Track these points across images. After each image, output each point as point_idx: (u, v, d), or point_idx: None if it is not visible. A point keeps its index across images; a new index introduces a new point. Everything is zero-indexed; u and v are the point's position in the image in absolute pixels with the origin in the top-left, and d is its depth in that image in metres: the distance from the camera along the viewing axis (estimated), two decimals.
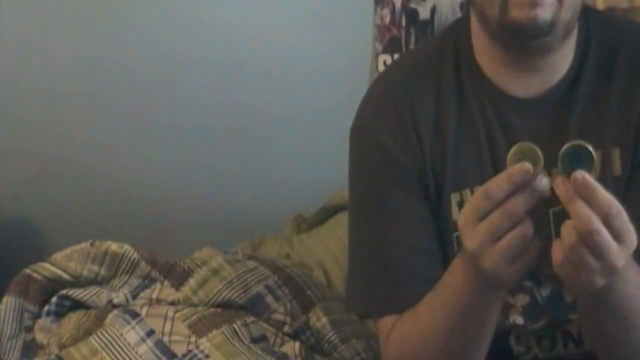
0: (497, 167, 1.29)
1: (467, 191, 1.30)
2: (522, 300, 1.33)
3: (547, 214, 1.28)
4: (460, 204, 1.30)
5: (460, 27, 1.35)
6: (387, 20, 1.73)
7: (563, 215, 1.28)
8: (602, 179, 1.28)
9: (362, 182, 1.35)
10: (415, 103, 1.31)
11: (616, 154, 1.29)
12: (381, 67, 1.72)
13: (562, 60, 1.29)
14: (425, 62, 1.35)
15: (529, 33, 1.21)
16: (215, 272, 1.73)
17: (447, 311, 1.22)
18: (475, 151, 1.30)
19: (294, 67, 2.49)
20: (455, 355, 1.24)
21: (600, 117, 1.30)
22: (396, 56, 1.70)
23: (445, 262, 1.31)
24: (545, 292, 1.32)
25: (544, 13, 1.18)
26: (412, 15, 1.72)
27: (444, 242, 1.31)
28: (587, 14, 1.32)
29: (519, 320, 1.33)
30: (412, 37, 1.72)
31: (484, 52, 1.30)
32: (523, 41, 1.24)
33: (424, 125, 1.31)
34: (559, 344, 1.33)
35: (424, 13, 1.72)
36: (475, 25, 1.31)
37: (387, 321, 1.31)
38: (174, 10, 2.45)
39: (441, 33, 1.43)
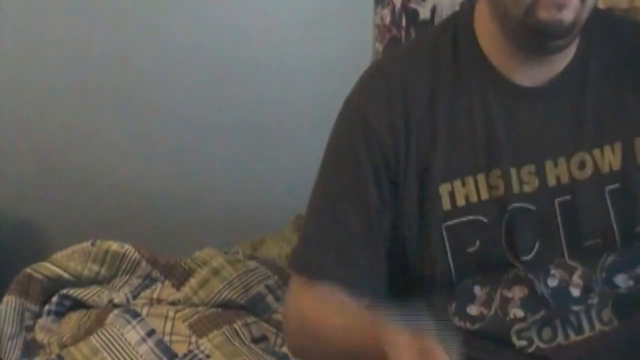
0: (493, 158, 1.29)
1: (459, 182, 1.29)
2: (519, 292, 1.31)
3: (553, 203, 1.29)
4: (452, 195, 1.28)
5: (461, 18, 1.35)
6: (387, 20, 1.73)
7: (568, 205, 1.29)
8: (624, 170, 1.29)
9: (333, 147, 1.35)
10: (409, 87, 1.30)
11: (639, 143, 1.30)
12: None
13: (568, 50, 1.30)
14: (423, 49, 1.34)
15: (554, 34, 1.23)
16: (216, 272, 1.73)
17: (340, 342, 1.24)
18: (470, 141, 1.29)
19: (294, 67, 2.48)
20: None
21: (618, 106, 1.30)
22: None
23: (425, 250, 1.30)
24: (552, 283, 1.31)
25: (569, 15, 1.20)
26: (412, 15, 1.72)
27: (427, 231, 1.30)
28: None
29: (519, 313, 1.31)
30: (412, 37, 1.72)
31: (492, 43, 1.30)
32: (544, 41, 1.25)
33: (414, 111, 1.29)
34: (559, 333, 1.32)
35: (424, 13, 1.72)
36: (485, 19, 1.30)
37: (303, 281, 1.32)
38: (176, 8, 2.45)
39: (441, 22, 1.43)
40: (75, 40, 2.44)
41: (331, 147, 1.36)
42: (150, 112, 2.51)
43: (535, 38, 1.24)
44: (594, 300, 1.31)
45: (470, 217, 1.29)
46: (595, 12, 1.31)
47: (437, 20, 1.70)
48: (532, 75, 1.30)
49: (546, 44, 1.25)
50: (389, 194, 1.30)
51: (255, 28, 2.45)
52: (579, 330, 1.32)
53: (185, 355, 1.57)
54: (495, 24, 1.28)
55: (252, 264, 1.78)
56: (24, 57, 2.45)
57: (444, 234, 1.29)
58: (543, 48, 1.27)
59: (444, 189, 1.29)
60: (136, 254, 1.74)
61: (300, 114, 2.48)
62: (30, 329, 1.70)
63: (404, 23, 1.72)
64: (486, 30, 1.30)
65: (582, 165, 1.30)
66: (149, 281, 1.74)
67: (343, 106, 1.36)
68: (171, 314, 1.63)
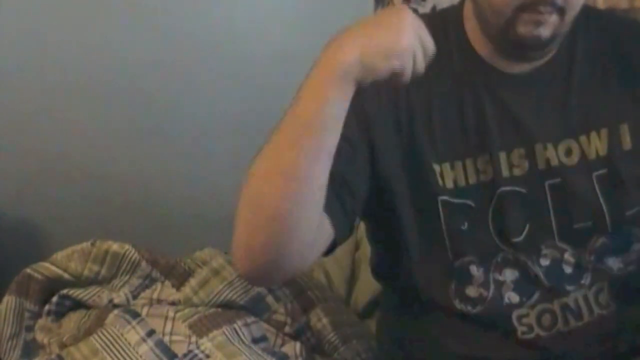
0: (482, 143, 1.31)
1: (447, 164, 1.31)
2: (510, 275, 1.34)
3: (544, 186, 1.31)
4: (441, 175, 1.31)
5: (450, 11, 1.39)
6: None
7: (559, 187, 1.31)
8: (610, 155, 1.31)
9: None
10: None
11: (625, 129, 1.33)
12: None
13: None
14: None
15: (532, 47, 1.27)
16: (216, 272, 1.73)
17: (291, 122, 1.18)
18: (460, 127, 1.32)
19: (294, 67, 2.47)
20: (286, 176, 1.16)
21: (603, 93, 1.33)
22: None
23: (421, 225, 1.32)
24: (545, 262, 1.33)
25: (546, 31, 1.24)
26: None
27: (422, 206, 1.32)
28: None
29: (514, 297, 1.33)
30: None
31: (478, 37, 1.33)
32: (523, 52, 1.30)
33: (403, 93, 1.31)
34: (559, 320, 1.34)
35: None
36: (471, 17, 1.34)
37: None
38: (178, 6, 2.45)
39: (432, 13, 1.47)
40: (75, 39, 2.44)
41: None
42: (150, 113, 2.51)
43: (514, 48, 1.29)
44: (586, 280, 1.34)
45: (459, 200, 1.32)
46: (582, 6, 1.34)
47: None
48: (518, 65, 1.33)
49: (525, 55, 1.30)
50: (369, 152, 1.30)
51: (254, 27, 2.45)
52: (578, 316, 1.34)
53: (185, 355, 1.57)
54: (480, 27, 1.32)
55: None
56: (25, 57, 2.45)
57: (440, 207, 1.31)
58: (523, 56, 1.31)
59: (436, 169, 1.32)
60: (136, 254, 1.74)
61: None
62: (30, 329, 1.70)
63: None
64: (472, 26, 1.34)
65: (569, 152, 1.32)
66: (149, 281, 1.74)
67: None
68: (171, 314, 1.63)
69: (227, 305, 1.69)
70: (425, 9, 1.72)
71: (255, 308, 1.70)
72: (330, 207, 1.22)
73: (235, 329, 1.62)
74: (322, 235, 1.23)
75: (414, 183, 1.32)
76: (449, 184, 1.32)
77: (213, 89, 2.49)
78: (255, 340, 1.63)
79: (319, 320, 1.72)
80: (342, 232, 1.28)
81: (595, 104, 1.33)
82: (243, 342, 1.60)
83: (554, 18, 1.23)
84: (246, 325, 1.63)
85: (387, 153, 1.31)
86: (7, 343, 1.66)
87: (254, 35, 2.46)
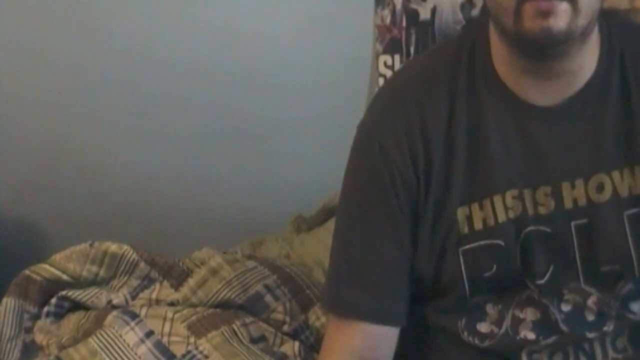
0: (510, 179, 1.26)
1: (476, 205, 1.26)
2: (531, 314, 1.29)
3: (569, 226, 1.27)
4: (469, 219, 1.27)
5: (477, 33, 1.31)
6: (388, 20, 1.73)
7: (585, 228, 1.25)
8: None
9: (354, 179, 1.33)
10: (427, 111, 1.28)
11: None
12: (382, 68, 1.72)
13: (582, 66, 1.25)
14: (440, 68, 1.31)
15: (544, 44, 1.17)
16: (214, 272, 1.73)
17: None
18: (487, 164, 1.27)
19: (294, 68, 2.49)
20: None
21: (635, 131, 1.26)
22: (397, 57, 1.70)
23: (440, 274, 1.29)
24: (566, 307, 1.28)
25: (558, 23, 1.14)
26: (412, 15, 1.72)
27: (442, 256, 1.29)
28: (609, 20, 1.28)
29: (530, 335, 1.29)
30: (413, 37, 1.72)
31: (503, 59, 1.26)
32: (542, 50, 1.20)
33: (434, 135, 1.27)
34: (570, 358, 1.30)
35: (424, 14, 1.71)
36: (493, 33, 1.27)
37: (339, 322, 1.34)
38: (173, 13, 2.45)
39: (457, 38, 1.38)
40: (74, 43, 2.44)
41: (352, 179, 1.33)
42: (149, 113, 2.52)
43: (532, 47, 1.20)
44: (609, 327, 1.28)
45: (488, 242, 1.27)
46: (618, 24, 1.28)
47: (437, 21, 1.70)
48: (548, 93, 1.25)
49: (546, 52, 1.20)
50: (411, 221, 1.29)
51: (251, 31, 2.45)
52: (591, 357, 1.29)
53: (183, 356, 1.57)
54: (500, 40, 1.25)
55: (250, 263, 1.78)
56: (24, 59, 2.45)
57: (461, 258, 1.27)
58: (542, 55, 1.21)
59: (461, 213, 1.27)
60: (134, 255, 1.74)
61: (300, 114, 2.48)
62: (29, 330, 1.70)
63: (404, 23, 1.72)
64: (497, 48, 1.27)
65: (600, 188, 1.26)
66: (147, 282, 1.74)
67: (358, 134, 1.33)
68: (170, 314, 1.63)
69: (225, 305, 1.69)
70: (426, 9, 1.71)
71: (254, 307, 1.70)
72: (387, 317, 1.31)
73: (233, 329, 1.62)
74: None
75: (435, 230, 1.28)
76: (478, 225, 1.27)
77: (213, 89, 2.49)
78: (254, 341, 1.63)
79: (318, 318, 1.72)
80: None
81: (630, 138, 1.25)
82: (241, 343, 1.60)
83: (564, 6, 1.13)
84: (245, 325, 1.64)
85: (424, 207, 1.28)
86: (7, 344, 1.67)
87: (256, 36, 2.46)
